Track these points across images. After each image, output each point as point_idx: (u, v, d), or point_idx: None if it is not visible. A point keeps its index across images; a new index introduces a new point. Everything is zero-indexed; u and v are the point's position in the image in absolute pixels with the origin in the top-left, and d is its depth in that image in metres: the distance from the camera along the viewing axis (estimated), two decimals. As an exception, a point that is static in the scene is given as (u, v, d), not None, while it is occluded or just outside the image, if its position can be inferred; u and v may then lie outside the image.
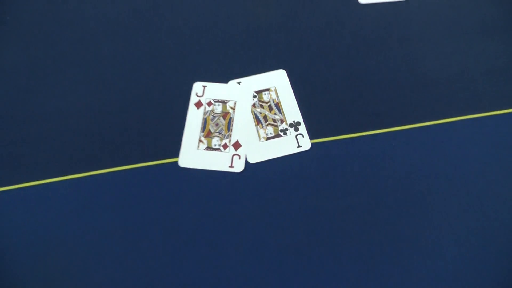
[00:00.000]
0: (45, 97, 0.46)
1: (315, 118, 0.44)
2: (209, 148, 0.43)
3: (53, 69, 0.48)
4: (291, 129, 0.43)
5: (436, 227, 0.38)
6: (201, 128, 0.44)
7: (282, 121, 0.44)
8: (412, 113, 0.44)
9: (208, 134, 0.43)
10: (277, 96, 0.46)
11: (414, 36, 0.50)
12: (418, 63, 0.48)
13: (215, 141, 0.43)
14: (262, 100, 0.45)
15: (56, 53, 0.49)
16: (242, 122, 0.44)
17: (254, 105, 0.45)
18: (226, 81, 0.47)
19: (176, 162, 0.42)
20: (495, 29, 0.50)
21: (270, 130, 0.43)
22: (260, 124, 0.44)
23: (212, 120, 0.44)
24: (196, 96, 0.46)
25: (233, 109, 0.45)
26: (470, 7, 0.52)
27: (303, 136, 0.43)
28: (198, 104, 0.45)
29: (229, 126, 0.44)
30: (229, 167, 0.41)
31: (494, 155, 0.42)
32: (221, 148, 0.43)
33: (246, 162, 0.42)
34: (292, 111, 0.45)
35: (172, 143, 0.43)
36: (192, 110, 0.45)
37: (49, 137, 0.43)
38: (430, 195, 0.40)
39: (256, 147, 0.43)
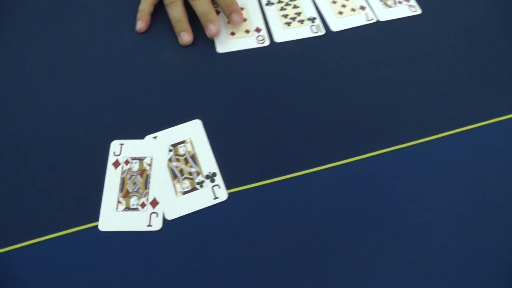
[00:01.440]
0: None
1: (232, 167, 0.46)
2: (127, 208, 0.44)
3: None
4: (207, 181, 0.45)
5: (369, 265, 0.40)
6: (119, 188, 0.45)
7: (198, 174, 0.46)
8: (332, 151, 0.46)
9: (126, 194, 0.45)
10: (193, 148, 0.47)
11: (334, 70, 0.52)
12: (339, 97, 0.50)
13: (133, 201, 0.44)
14: (178, 153, 0.47)
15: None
16: (159, 178, 0.45)
17: (170, 160, 0.47)
18: (143, 137, 0.48)
19: (97, 226, 0.43)
20: (417, 58, 0.53)
21: (186, 184, 0.45)
22: (176, 179, 0.45)
23: (129, 179, 0.46)
24: (113, 156, 0.47)
25: (150, 165, 0.46)
26: (391, 37, 0.54)
27: (219, 187, 0.45)
28: (116, 164, 0.47)
29: (146, 184, 0.45)
30: (147, 226, 0.43)
31: (418, 185, 0.44)
32: (139, 207, 0.44)
33: (164, 219, 0.43)
34: (208, 162, 0.46)
35: (93, 206, 0.44)
36: (110, 170, 0.46)
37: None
38: (359, 232, 0.41)
39: (173, 203, 0.44)
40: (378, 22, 0.57)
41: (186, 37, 0.54)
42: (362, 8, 0.58)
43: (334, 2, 0.59)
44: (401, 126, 0.48)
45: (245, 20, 0.56)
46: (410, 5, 0.59)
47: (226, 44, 0.54)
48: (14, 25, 0.59)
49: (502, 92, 0.51)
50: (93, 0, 0.62)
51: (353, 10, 0.58)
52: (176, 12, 0.55)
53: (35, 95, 0.52)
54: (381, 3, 0.58)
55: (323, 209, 0.43)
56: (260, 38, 0.54)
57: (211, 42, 0.55)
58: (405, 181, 0.44)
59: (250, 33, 0.55)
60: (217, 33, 0.54)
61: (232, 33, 0.55)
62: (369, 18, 0.57)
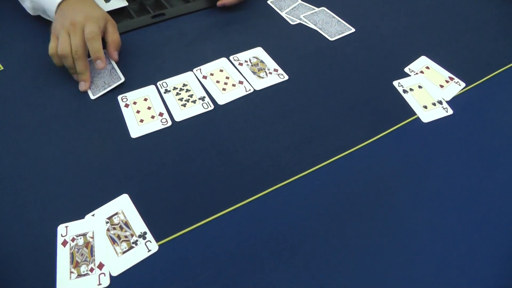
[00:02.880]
0: None
1: (158, 223, 0.61)
2: (79, 275, 0.57)
3: None
4: (140, 239, 0.59)
5: None
6: (70, 261, 0.58)
7: (132, 235, 0.60)
8: (237, 194, 0.63)
9: (76, 265, 0.58)
10: (125, 216, 0.61)
11: (224, 134, 0.69)
12: (230, 154, 0.67)
13: (83, 268, 0.57)
14: (114, 223, 0.61)
15: None
16: (101, 246, 0.59)
17: (108, 229, 0.60)
18: (83, 216, 0.62)
19: (56, 295, 0.55)
20: (287, 113, 0.71)
21: (124, 245, 0.59)
22: (115, 243, 0.59)
23: (77, 252, 0.59)
24: (61, 237, 0.60)
25: (92, 238, 0.60)
26: (266, 101, 0.73)
27: (150, 242, 0.59)
28: (64, 243, 0.60)
29: (91, 253, 0.59)
30: (98, 285, 0.56)
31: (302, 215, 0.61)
32: (89, 272, 0.57)
33: (111, 276, 0.56)
34: (138, 225, 0.61)
35: (49, 280, 0.56)
36: (60, 249, 0.59)
37: None
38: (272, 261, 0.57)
39: (115, 262, 0.58)
40: (255, 91, 0.76)
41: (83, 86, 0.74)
42: (241, 82, 0.77)
43: (218, 82, 0.77)
44: (280, 168, 0.65)
45: (145, 99, 0.73)
46: (279, 74, 0.78)
47: (137, 130, 0.70)
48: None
49: (355, 126, 0.70)
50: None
51: (233, 85, 0.76)
52: (79, 65, 0.74)
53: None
54: (255, 76, 0.77)
55: (241, 245, 0.58)
56: (164, 120, 0.71)
57: (126, 131, 0.70)
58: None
59: (155, 118, 0.71)
60: (103, 67, 0.75)
61: (141, 120, 0.71)
62: (247, 90, 0.75)
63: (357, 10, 0.92)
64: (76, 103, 0.74)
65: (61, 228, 0.61)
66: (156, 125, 0.71)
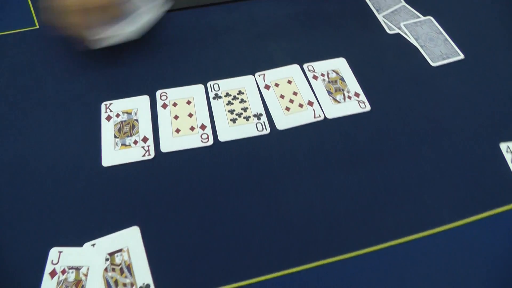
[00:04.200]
0: None
1: (168, 278, 0.48)
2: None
3: None
4: (141, 294, 0.47)
5: None
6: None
7: (132, 285, 0.48)
8: (275, 261, 0.49)
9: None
10: (129, 257, 0.50)
11: (275, 172, 0.55)
12: (279, 203, 0.53)
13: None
14: (114, 262, 0.49)
15: None
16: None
17: (106, 269, 0.49)
18: (81, 243, 0.50)
19: None
20: (361, 160, 0.56)
21: (120, 297, 0.47)
22: (110, 291, 0.48)
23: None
24: (51, 264, 0.49)
25: (86, 275, 0.49)
26: (338, 136, 0.57)
27: (152, 301, 0.47)
28: (53, 273, 0.49)
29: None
30: None
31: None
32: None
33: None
34: (143, 273, 0.49)
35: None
36: (46, 281, 0.48)
37: None
38: None
39: (105, 317, 0.46)
40: (325, 119, 0.60)
41: None
42: (310, 103, 0.61)
43: (282, 97, 0.62)
44: (344, 235, 0.51)
45: (190, 115, 0.59)
46: (360, 101, 0.62)
47: (170, 143, 0.57)
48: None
49: (441, 199, 0.54)
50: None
51: (300, 105, 0.61)
52: None
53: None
54: (329, 98, 0.61)
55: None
56: (205, 136, 0.57)
57: (156, 141, 0.57)
58: None
59: (194, 131, 0.58)
60: None
61: (178, 130, 0.58)
62: (317, 115, 0.60)
63: (473, 26, 0.72)
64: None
65: (53, 253, 0.50)
66: (194, 141, 0.57)
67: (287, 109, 0.61)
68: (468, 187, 0.55)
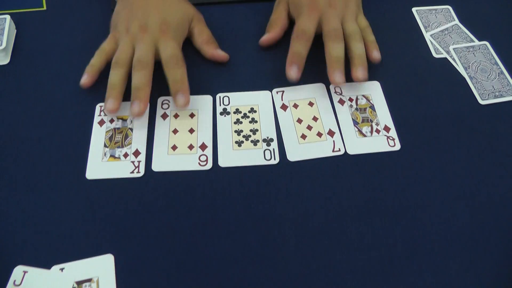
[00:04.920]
0: None
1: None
2: None
3: None
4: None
5: None
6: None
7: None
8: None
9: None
10: (98, 289, 0.44)
11: (280, 212, 0.49)
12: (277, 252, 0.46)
13: None
14: (81, 294, 0.44)
15: None
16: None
17: (70, 301, 0.44)
18: (50, 266, 0.46)
19: None
20: (380, 210, 0.48)
21: (79, 336, 0.42)
22: (70, 328, 0.42)
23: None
24: (13, 285, 0.45)
25: (47, 304, 0.43)
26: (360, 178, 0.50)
27: None
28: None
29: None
30: None
31: None
32: None
33: None
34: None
35: None
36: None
37: None
38: None
39: None
40: (346, 154, 0.53)
41: (111, 104, 0.52)
42: (331, 133, 0.54)
43: (299, 121, 0.54)
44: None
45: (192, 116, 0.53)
46: (389, 137, 0.54)
47: (163, 161, 0.51)
48: None
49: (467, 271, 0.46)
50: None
51: (319, 134, 0.53)
52: (116, 76, 0.52)
53: None
54: (354, 129, 0.54)
55: None
56: (203, 158, 0.51)
57: (149, 156, 0.51)
58: None
59: (193, 150, 0.51)
60: (186, 104, 0.52)
61: (174, 147, 0.52)
62: (336, 149, 0.52)
63: None
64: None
65: (17, 272, 0.45)
66: (191, 162, 0.51)
67: (303, 137, 0.54)
68: (502, 257, 0.46)
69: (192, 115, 0.54)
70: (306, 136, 0.53)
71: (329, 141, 0.53)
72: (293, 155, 0.52)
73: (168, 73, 0.52)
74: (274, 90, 0.57)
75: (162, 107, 0.55)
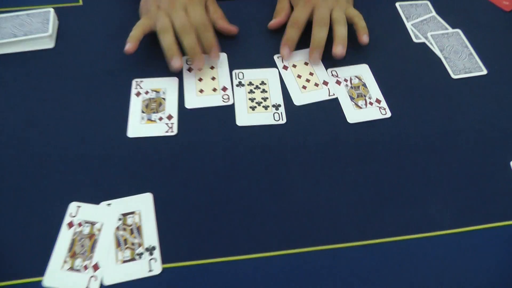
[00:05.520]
0: None
1: (173, 243, 0.54)
2: (71, 268, 0.52)
3: None
4: (146, 253, 0.53)
5: None
6: (68, 248, 0.53)
7: (139, 245, 0.53)
8: (273, 240, 0.54)
9: (73, 255, 0.53)
10: (140, 220, 0.55)
11: (287, 164, 0.60)
12: (285, 190, 0.57)
13: (78, 262, 0.52)
14: (126, 223, 0.55)
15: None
16: (104, 244, 0.53)
17: (118, 228, 0.55)
18: (98, 202, 0.56)
19: (40, 281, 0.51)
20: (374, 161, 0.60)
21: (127, 253, 0.53)
22: (119, 247, 0.53)
23: (79, 240, 0.54)
24: (70, 216, 0.55)
25: (99, 231, 0.54)
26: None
27: (155, 261, 0.52)
28: (70, 224, 0.55)
29: (92, 248, 0.53)
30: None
31: None
32: (82, 269, 0.52)
33: (101, 285, 0.51)
34: (150, 235, 0.54)
35: (41, 262, 0.52)
36: (64, 230, 0.54)
37: None
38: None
39: (112, 269, 0.52)
40: (346, 123, 0.65)
41: (177, 62, 0.64)
42: (325, 83, 0.65)
43: (299, 77, 0.66)
44: (344, 226, 0.55)
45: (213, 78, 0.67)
46: (381, 108, 0.66)
47: (193, 102, 0.65)
48: None
49: (445, 206, 0.57)
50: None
51: (316, 85, 0.65)
52: (168, 40, 0.64)
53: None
54: (351, 103, 0.66)
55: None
56: (226, 97, 0.64)
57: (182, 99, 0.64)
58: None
59: (216, 92, 0.65)
60: (218, 57, 0.67)
61: (201, 90, 0.65)
62: (331, 94, 0.64)
63: (501, 43, 0.75)
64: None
65: (72, 207, 0.56)
66: (216, 101, 0.65)
67: (304, 87, 0.67)
68: (473, 198, 0.58)
69: (212, 68, 0.67)
70: (306, 87, 0.65)
71: (325, 89, 0.66)
72: (298, 101, 0.65)
73: (201, 35, 0.65)
74: (275, 56, 0.70)
75: (187, 63, 0.67)
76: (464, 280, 0.52)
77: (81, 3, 0.78)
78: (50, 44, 0.72)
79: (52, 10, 0.74)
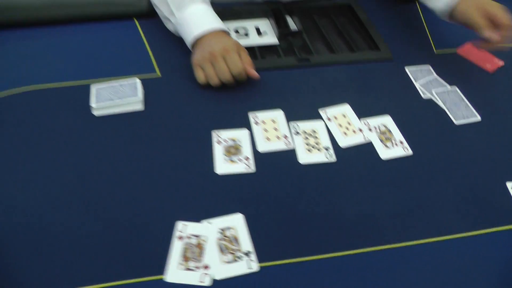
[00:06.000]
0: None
1: (264, 247, 0.71)
2: (187, 268, 0.69)
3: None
4: (244, 256, 0.71)
5: None
6: (182, 254, 0.71)
7: (238, 250, 0.72)
8: (333, 243, 0.73)
9: (186, 259, 0.70)
10: (236, 232, 0.74)
11: (338, 188, 0.80)
12: (339, 205, 0.77)
13: (191, 264, 0.69)
14: (225, 235, 0.73)
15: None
16: (211, 251, 0.71)
17: (219, 239, 0.73)
18: (199, 220, 0.75)
19: (161, 279, 0.68)
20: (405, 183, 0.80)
21: (229, 257, 0.70)
22: (223, 253, 0.71)
23: (189, 249, 0.72)
24: (179, 232, 0.74)
25: (205, 241, 0.73)
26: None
27: (252, 261, 0.70)
28: (180, 238, 0.73)
29: (201, 254, 0.71)
30: (200, 282, 0.68)
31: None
32: (195, 269, 0.69)
33: (213, 279, 0.68)
34: (246, 243, 0.72)
35: (156, 265, 0.69)
36: (176, 242, 0.72)
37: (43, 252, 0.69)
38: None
39: (219, 268, 0.69)
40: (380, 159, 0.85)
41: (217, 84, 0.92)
42: (361, 131, 0.87)
43: (340, 126, 0.87)
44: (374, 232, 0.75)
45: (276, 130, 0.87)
46: (404, 147, 0.87)
47: (263, 145, 0.85)
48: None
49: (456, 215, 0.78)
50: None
51: (354, 131, 0.86)
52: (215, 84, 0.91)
53: (117, 176, 0.80)
54: (381, 144, 0.87)
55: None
56: (287, 142, 0.85)
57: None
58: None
59: (280, 139, 0.85)
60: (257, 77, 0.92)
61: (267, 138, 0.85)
62: (366, 139, 0.85)
63: (489, 94, 0.99)
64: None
65: (179, 225, 0.74)
66: (280, 145, 0.85)
67: (344, 134, 0.87)
68: (478, 209, 0.79)
69: (273, 121, 0.88)
70: (346, 133, 0.87)
71: (360, 135, 0.87)
72: (342, 144, 0.86)
73: (235, 72, 0.91)
74: (320, 110, 0.92)
75: (254, 119, 0.89)
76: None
77: (159, 75, 1.00)
78: (140, 107, 0.93)
79: (138, 80, 0.96)
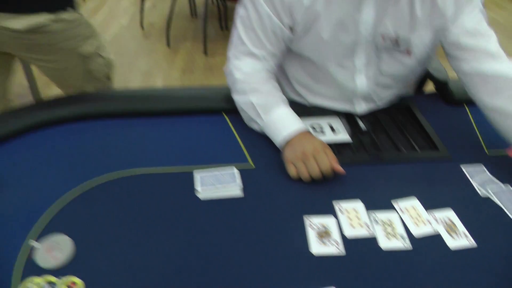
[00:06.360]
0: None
1: None
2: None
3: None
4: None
5: None
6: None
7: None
8: None
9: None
10: None
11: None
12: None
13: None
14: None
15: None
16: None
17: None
18: None
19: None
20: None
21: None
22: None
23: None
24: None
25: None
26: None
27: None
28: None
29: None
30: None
31: None
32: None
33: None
34: None
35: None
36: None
37: None
38: None
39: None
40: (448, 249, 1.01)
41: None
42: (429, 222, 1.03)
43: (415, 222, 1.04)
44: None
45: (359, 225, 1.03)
46: (468, 239, 1.02)
47: (350, 232, 1.01)
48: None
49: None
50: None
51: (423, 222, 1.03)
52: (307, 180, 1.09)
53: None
54: (447, 235, 1.03)
55: None
56: (368, 230, 1.01)
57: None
58: None
59: (363, 227, 1.02)
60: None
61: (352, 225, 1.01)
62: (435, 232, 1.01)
63: None
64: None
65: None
66: (363, 231, 1.01)
67: (416, 224, 1.04)
68: None
69: (355, 210, 1.05)
70: (417, 224, 1.04)
71: (429, 226, 1.03)
72: (416, 233, 1.02)
73: (325, 174, 1.08)
74: (393, 201, 1.10)
75: (339, 208, 1.06)
76: None
77: (253, 166, 1.20)
78: (240, 193, 1.12)
79: (236, 170, 1.15)
